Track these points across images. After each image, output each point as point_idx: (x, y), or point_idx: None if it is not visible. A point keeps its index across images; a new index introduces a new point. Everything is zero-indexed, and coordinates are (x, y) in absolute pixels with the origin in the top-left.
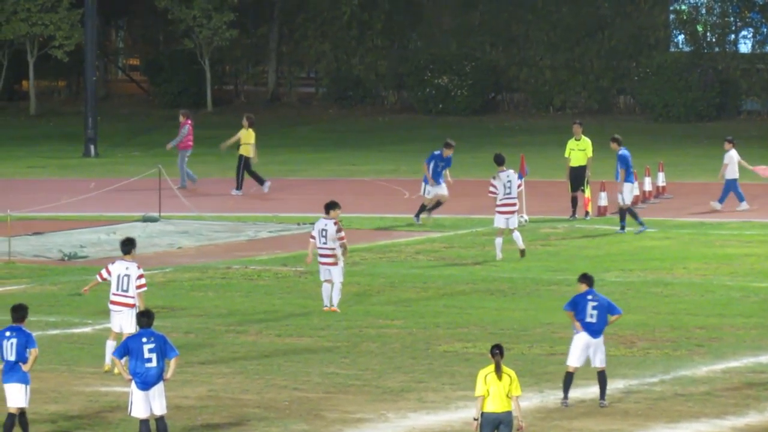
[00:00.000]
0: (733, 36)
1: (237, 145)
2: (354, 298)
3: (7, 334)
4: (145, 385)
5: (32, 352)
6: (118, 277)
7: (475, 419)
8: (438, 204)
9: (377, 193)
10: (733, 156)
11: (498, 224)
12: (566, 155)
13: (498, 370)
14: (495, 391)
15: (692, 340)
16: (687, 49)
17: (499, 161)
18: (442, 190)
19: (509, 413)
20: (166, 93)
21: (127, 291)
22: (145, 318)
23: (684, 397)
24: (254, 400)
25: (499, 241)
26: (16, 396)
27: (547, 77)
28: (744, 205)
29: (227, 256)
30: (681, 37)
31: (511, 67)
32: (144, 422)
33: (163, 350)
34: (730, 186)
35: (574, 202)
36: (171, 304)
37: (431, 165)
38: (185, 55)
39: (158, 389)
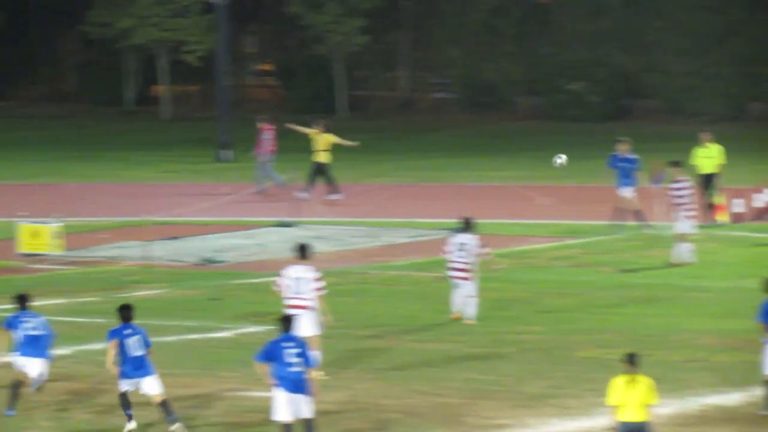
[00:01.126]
0: None
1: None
2: (492, 303)
3: (127, 331)
4: (292, 388)
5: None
6: (293, 280)
7: (612, 429)
8: (637, 212)
9: (510, 199)
10: None
11: (683, 229)
12: (693, 163)
13: (631, 379)
14: (630, 400)
15: None
16: None
17: (679, 167)
18: (628, 194)
19: (644, 424)
20: (298, 98)
21: (301, 293)
22: (287, 323)
23: None
24: (395, 405)
25: (686, 246)
26: (155, 386)
27: (679, 84)
28: None
29: (364, 262)
30: None
31: (643, 73)
32: (287, 426)
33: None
34: None
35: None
36: None
37: (617, 167)
38: (318, 61)
39: (305, 393)
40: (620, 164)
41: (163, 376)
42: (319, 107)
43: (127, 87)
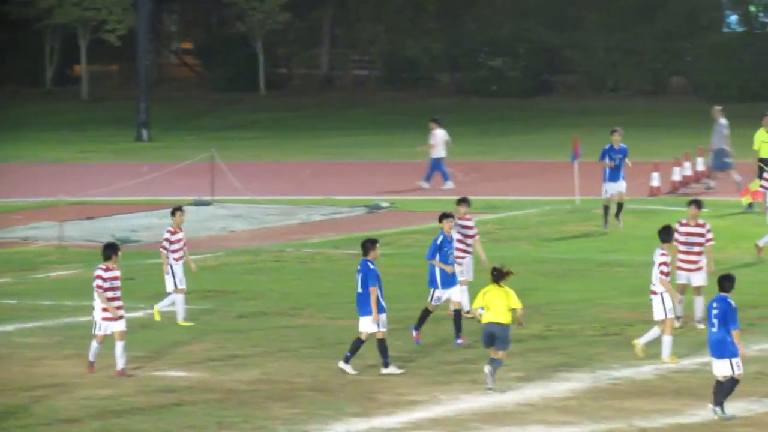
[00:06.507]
0: None
1: None
2: (407, 280)
3: (358, 268)
4: (712, 352)
5: (371, 291)
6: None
7: (474, 316)
8: (620, 206)
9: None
10: (438, 135)
11: None
12: (756, 147)
13: (496, 284)
14: (493, 304)
15: (744, 319)
16: (740, 29)
17: None
18: (619, 187)
19: (503, 327)
20: (219, 77)
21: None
22: (728, 282)
23: None
24: (307, 383)
25: None
26: (364, 325)
27: (601, 59)
28: (449, 184)
29: (280, 240)
30: (734, 18)
31: (565, 48)
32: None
33: (726, 318)
34: (436, 165)
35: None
36: (224, 288)
37: (606, 160)
38: (238, 39)
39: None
40: (617, 155)
41: (77, 357)
42: (240, 85)
43: (48, 67)
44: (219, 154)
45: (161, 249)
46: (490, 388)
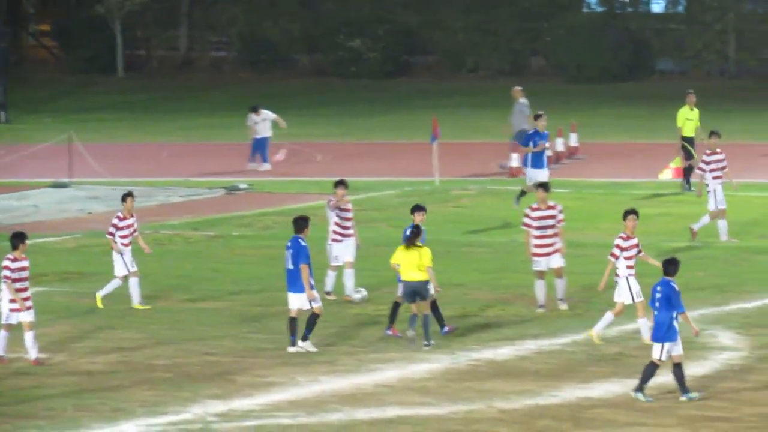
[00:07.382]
0: None
1: None
2: (267, 261)
3: (288, 244)
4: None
5: (302, 268)
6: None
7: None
8: (523, 192)
9: (290, 157)
10: (269, 114)
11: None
12: (679, 124)
13: (409, 245)
14: (408, 262)
15: (604, 300)
16: (600, 9)
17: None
18: (542, 175)
19: (422, 282)
20: (77, 59)
21: None
22: (672, 266)
23: (596, 357)
24: (165, 365)
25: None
26: (294, 302)
27: (460, 39)
28: (266, 166)
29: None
30: None
31: (424, 29)
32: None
33: (669, 302)
34: (260, 143)
35: (687, 171)
36: (82, 270)
37: (531, 145)
38: (96, 20)
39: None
40: (541, 140)
41: None
42: (98, 67)
43: None
44: (77, 135)
45: (108, 235)
46: (427, 344)
